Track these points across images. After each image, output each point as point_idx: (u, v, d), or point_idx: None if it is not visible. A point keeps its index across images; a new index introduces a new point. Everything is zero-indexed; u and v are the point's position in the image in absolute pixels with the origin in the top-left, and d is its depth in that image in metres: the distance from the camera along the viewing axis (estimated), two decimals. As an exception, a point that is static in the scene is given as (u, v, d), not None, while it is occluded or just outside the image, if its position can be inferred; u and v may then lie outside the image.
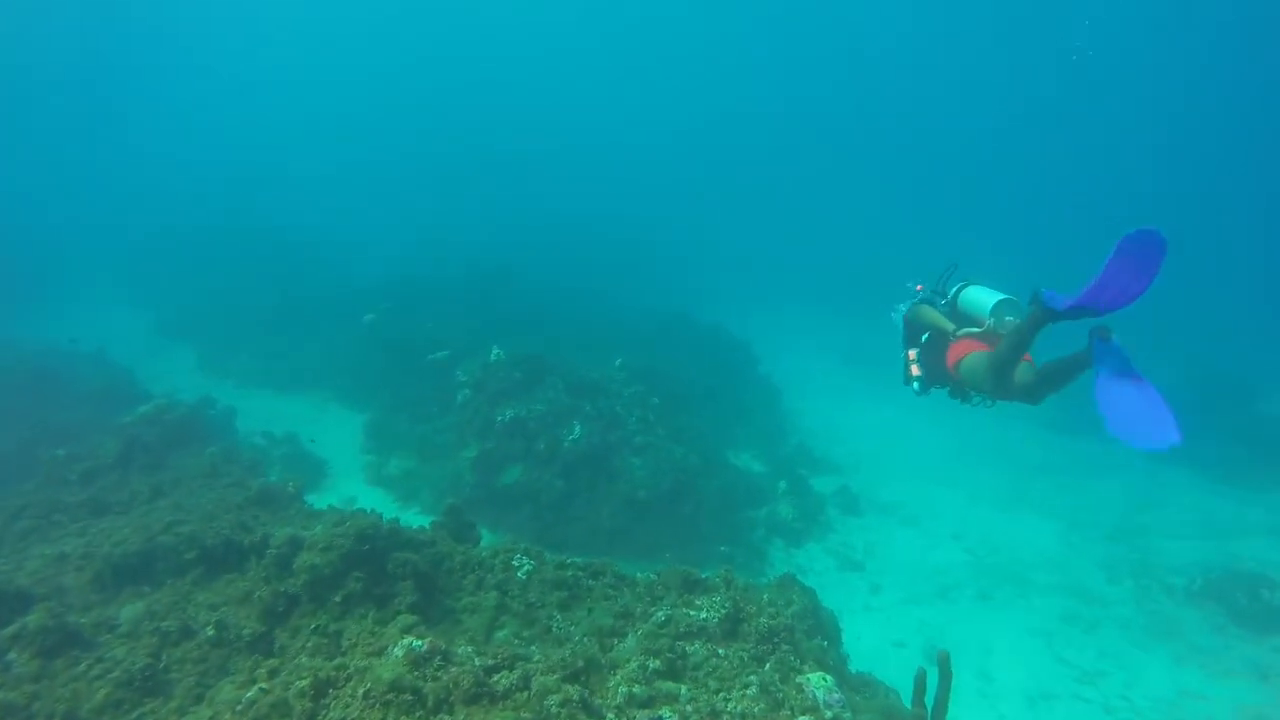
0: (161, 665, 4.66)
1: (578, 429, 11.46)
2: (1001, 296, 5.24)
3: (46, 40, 50.41)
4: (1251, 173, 49.40)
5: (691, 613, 4.89)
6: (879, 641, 9.72)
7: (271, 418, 14.09)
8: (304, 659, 4.34)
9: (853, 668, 5.95)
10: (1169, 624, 10.57)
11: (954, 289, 5.60)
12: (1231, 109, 49.37)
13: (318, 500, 10.28)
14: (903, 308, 5.92)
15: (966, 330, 5.32)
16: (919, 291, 5.93)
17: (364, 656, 4.08)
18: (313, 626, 4.85)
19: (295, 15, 58.03)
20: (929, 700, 3.87)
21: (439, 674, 3.95)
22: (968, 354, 5.14)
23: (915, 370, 5.64)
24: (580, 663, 4.18)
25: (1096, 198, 50.08)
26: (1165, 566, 12.26)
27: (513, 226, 30.17)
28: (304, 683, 3.85)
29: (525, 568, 5.85)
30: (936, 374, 5.54)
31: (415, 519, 10.56)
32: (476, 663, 4.08)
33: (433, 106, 56.42)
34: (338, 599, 5.09)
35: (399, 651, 4.01)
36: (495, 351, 12.76)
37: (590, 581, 5.83)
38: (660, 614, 4.85)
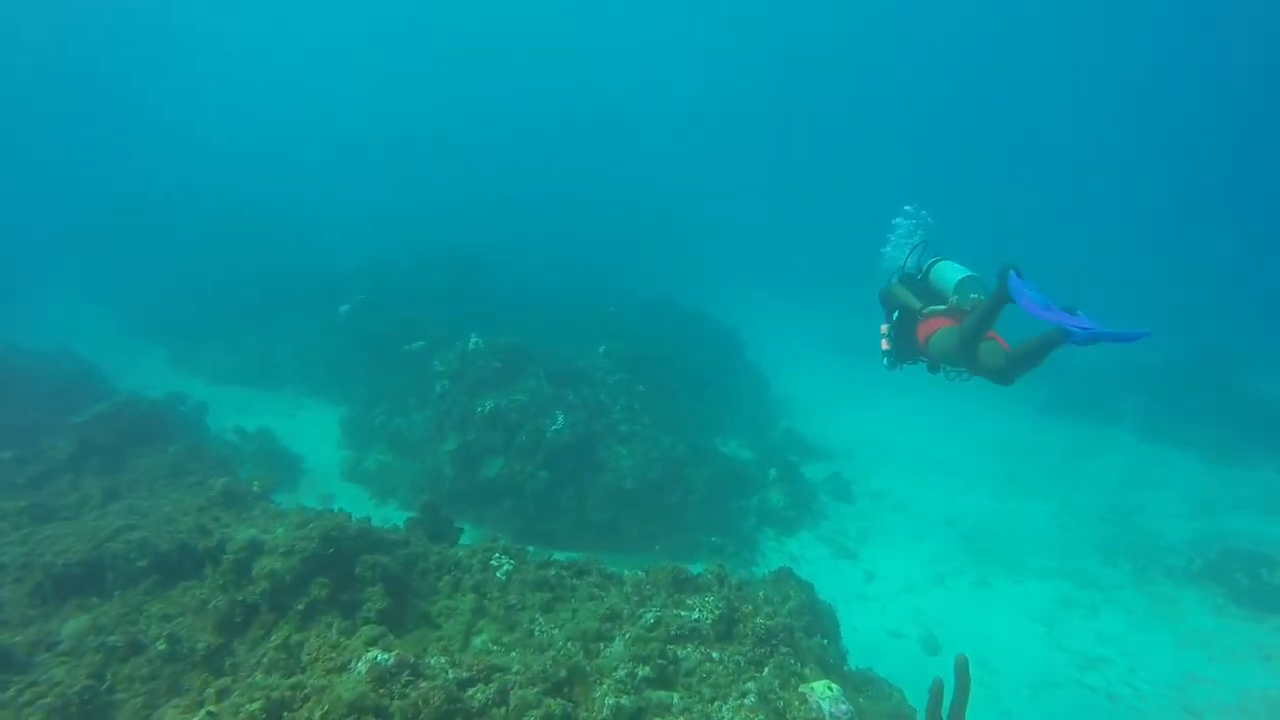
0: (105, 686, 4.27)
1: (561, 419, 11.07)
2: (966, 273, 5.39)
3: (11, 30, 48.79)
4: (1235, 153, 49.61)
5: (683, 613, 4.55)
6: (875, 631, 9.44)
7: (245, 413, 13.59)
8: (259, 677, 3.95)
9: (851, 662, 5.66)
10: (1170, 606, 10.36)
11: (926, 265, 5.72)
12: (1221, 90, 49.50)
13: (294, 498, 9.88)
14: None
15: (933, 308, 5.44)
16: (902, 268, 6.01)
17: (324, 673, 3.70)
18: (272, 639, 4.45)
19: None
20: (944, 711, 3.55)
21: (407, 690, 3.59)
22: (937, 330, 5.26)
23: (885, 345, 5.83)
24: (563, 672, 3.84)
25: (1086, 182, 50.29)
26: (1162, 547, 12.08)
27: (492, 210, 29.58)
28: (255, 705, 3.47)
29: (505, 567, 5.49)
30: (910, 350, 5.68)
31: (394, 515, 10.18)
32: (449, 675, 3.73)
33: (412, 88, 55.49)
34: (300, 607, 4.72)
35: (362, 667, 3.64)
36: (474, 340, 12.30)
37: (574, 581, 5.48)
38: (650, 615, 4.50)
